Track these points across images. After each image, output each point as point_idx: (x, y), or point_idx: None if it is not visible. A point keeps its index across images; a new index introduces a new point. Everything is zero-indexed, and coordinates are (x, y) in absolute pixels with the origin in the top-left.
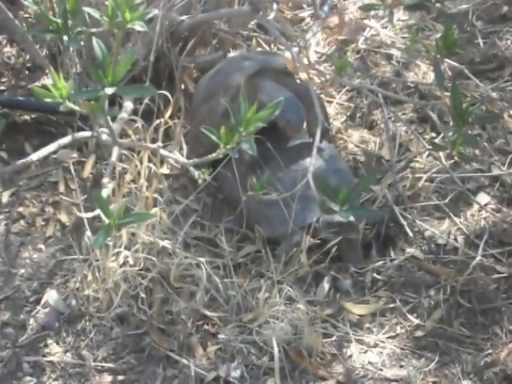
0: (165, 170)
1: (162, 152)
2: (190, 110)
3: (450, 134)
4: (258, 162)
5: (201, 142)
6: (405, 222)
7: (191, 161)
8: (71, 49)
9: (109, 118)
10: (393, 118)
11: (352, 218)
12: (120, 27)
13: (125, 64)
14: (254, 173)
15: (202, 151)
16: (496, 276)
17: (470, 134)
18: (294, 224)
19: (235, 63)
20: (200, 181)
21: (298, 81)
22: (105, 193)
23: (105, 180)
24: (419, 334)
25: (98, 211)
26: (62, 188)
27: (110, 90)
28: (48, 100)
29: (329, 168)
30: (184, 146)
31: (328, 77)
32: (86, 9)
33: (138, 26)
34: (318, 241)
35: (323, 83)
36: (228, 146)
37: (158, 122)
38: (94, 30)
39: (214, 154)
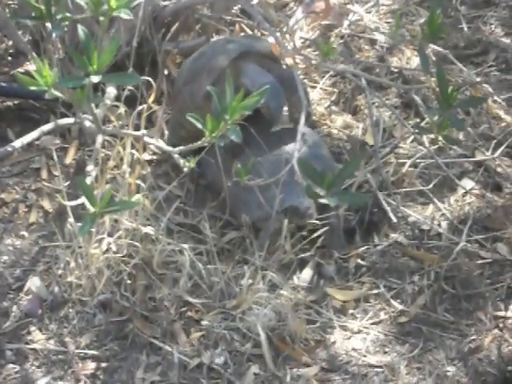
0: (147, 155)
1: (146, 139)
2: (172, 93)
3: (435, 117)
4: (239, 146)
5: (182, 125)
6: (388, 208)
7: (176, 149)
8: (54, 35)
9: (93, 105)
10: (376, 103)
11: (335, 204)
12: (105, 15)
13: (109, 51)
14: (235, 157)
15: (184, 134)
16: (480, 261)
17: (455, 116)
18: (271, 208)
19: (219, 46)
20: (185, 169)
21: (284, 66)
22: (89, 181)
23: (89, 168)
24: (403, 319)
25: (82, 199)
26: (44, 174)
27: (95, 79)
28: (33, 88)
29: (310, 153)
30: (166, 131)
31: (314, 62)
32: None
33: (124, 14)
34: (299, 228)
35: (308, 68)
36: (213, 134)
37: (140, 107)
38: (77, 16)
39: (199, 142)
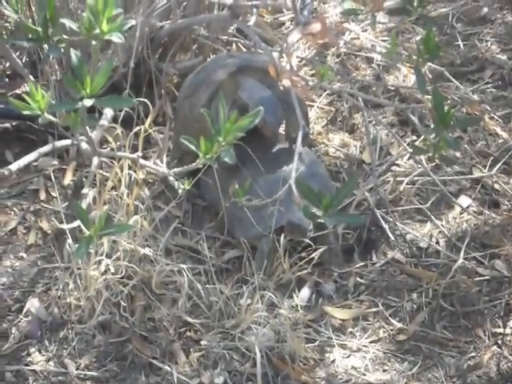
0: (144, 175)
1: (142, 161)
2: (176, 108)
3: (432, 136)
4: (237, 166)
5: None
6: (386, 226)
7: (171, 171)
8: (51, 57)
9: (88, 128)
10: (373, 122)
11: (332, 224)
12: (98, 38)
13: (103, 74)
14: (233, 177)
15: (186, 148)
16: (478, 279)
17: (451, 136)
18: (265, 227)
19: (220, 61)
20: (180, 191)
21: (281, 87)
22: (84, 204)
23: (85, 190)
24: (402, 337)
25: (78, 222)
26: (43, 196)
27: (88, 102)
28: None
29: (307, 172)
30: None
31: (311, 83)
32: (64, 20)
33: (116, 38)
34: (297, 247)
35: (304, 88)
36: (207, 156)
37: (137, 129)
38: (73, 38)
39: (193, 164)
